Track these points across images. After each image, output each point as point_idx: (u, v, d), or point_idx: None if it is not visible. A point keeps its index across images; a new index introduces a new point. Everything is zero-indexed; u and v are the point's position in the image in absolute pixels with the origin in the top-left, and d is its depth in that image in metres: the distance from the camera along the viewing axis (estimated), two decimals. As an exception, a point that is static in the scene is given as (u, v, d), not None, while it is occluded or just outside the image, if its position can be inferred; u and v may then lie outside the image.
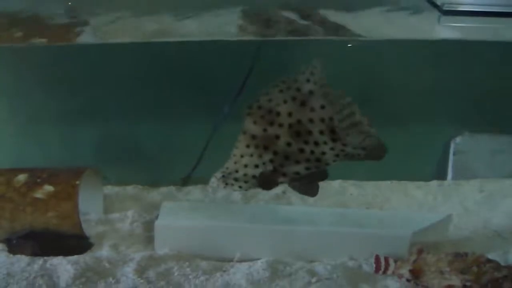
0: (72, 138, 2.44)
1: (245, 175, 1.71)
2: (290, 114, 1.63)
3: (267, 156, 1.67)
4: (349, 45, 2.37)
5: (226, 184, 1.74)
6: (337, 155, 1.66)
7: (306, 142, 1.64)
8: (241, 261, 1.85)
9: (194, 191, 2.30)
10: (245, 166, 1.70)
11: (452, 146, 2.59)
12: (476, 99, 2.52)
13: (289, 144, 1.65)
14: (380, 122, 2.43)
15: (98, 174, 2.11)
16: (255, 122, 1.65)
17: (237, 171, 1.72)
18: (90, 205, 2.11)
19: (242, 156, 1.70)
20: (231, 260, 1.87)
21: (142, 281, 1.73)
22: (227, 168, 1.73)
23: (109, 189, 2.29)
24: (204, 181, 1.81)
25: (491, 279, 1.62)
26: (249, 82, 2.34)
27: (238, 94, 2.33)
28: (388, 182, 2.41)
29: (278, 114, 1.64)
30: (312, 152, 1.65)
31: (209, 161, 2.35)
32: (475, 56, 2.44)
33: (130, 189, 2.34)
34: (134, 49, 2.30)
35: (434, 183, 2.42)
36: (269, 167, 1.68)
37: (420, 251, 1.76)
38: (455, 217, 2.07)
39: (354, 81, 2.42)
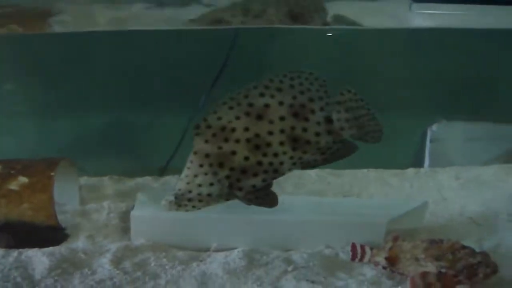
0: (48, 129, 2.42)
1: (199, 194, 1.70)
2: (246, 129, 1.63)
3: (223, 173, 1.66)
4: (328, 34, 2.37)
5: (179, 206, 1.73)
6: (294, 164, 1.67)
7: (265, 155, 1.64)
8: (217, 250, 1.85)
9: (171, 181, 2.29)
10: (199, 185, 1.69)
11: (429, 134, 2.60)
12: (453, 87, 2.53)
13: (246, 158, 1.65)
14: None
15: (73, 165, 2.09)
16: (206, 141, 1.65)
17: (190, 191, 1.70)
18: (66, 196, 2.10)
19: (195, 176, 1.68)
20: (208, 250, 1.86)
21: (118, 272, 1.73)
22: (179, 189, 1.71)
23: (86, 180, 2.29)
24: (181, 171, 1.80)
25: (466, 265, 1.62)
26: (226, 72, 2.34)
27: (215, 83, 2.32)
28: (365, 170, 2.41)
29: (233, 130, 1.63)
30: (270, 163, 1.65)
31: (186, 151, 2.34)
32: (450, 43, 2.46)
33: (106, 179, 2.34)
34: (110, 39, 2.29)
35: (410, 170, 2.44)
36: (225, 183, 1.67)
37: (395, 239, 1.76)
38: (431, 204, 2.07)
39: (331, 71, 2.43)
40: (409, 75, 2.50)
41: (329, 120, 1.67)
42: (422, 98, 2.54)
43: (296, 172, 2.24)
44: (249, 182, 1.67)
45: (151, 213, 1.91)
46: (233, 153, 1.65)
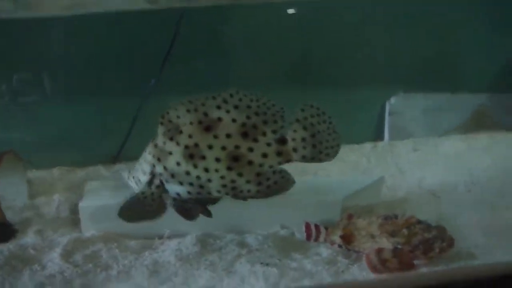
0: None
1: (139, 179, 1.73)
2: (190, 136, 1.63)
3: (159, 169, 1.68)
4: (289, 10, 2.31)
5: (128, 180, 1.79)
6: (224, 186, 1.65)
7: (195, 166, 1.63)
8: (171, 237, 1.80)
9: (124, 169, 2.23)
10: (142, 170, 1.72)
11: (387, 106, 2.57)
12: (410, 59, 2.51)
13: (178, 164, 1.65)
14: (316, 86, 2.42)
15: (19, 158, 2.03)
16: (163, 133, 1.66)
17: (136, 171, 1.75)
18: (13, 191, 2.04)
19: (144, 161, 1.72)
20: (161, 237, 1.81)
21: (68, 265, 1.67)
22: (133, 165, 1.76)
23: (34, 174, 2.23)
24: (134, 158, 1.77)
25: (422, 240, 1.60)
26: (175, 53, 2.28)
27: (163, 67, 2.28)
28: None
29: (180, 132, 1.64)
30: (198, 177, 1.64)
31: (139, 136, 2.29)
32: (406, 16, 2.43)
33: (55, 171, 2.27)
34: (54, 24, 2.22)
35: (368, 145, 2.39)
36: (156, 180, 1.69)
37: (349, 216, 1.73)
38: (389, 178, 2.05)
39: (290, 46, 2.40)
40: (366, 49, 2.47)
41: (282, 141, 1.66)
42: (380, 71, 2.51)
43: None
44: (174, 188, 1.68)
45: (100, 203, 1.85)
46: (170, 153, 1.65)
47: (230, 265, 1.66)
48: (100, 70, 2.32)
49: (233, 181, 1.65)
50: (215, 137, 1.63)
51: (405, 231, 1.62)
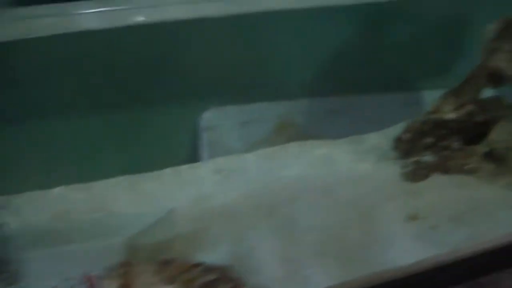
0: None
1: None
2: None
3: None
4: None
5: None
6: None
7: None
8: None
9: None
10: None
11: (201, 123, 2.43)
12: (220, 71, 2.38)
13: None
14: (120, 108, 2.25)
15: None
16: None
17: None
18: None
19: None
20: None
21: None
22: None
23: None
24: None
25: (203, 284, 1.47)
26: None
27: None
28: (119, 178, 2.15)
29: None
30: None
31: None
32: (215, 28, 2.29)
33: None
34: None
35: (168, 171, 2.19)
36: None
37: (125, 264, 1.57)
38: (187, 207, 1.89)
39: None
40: (174, 66, 2.32)
41: None
42: (191, 85, 2.37)
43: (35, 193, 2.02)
44: None
45: None
46: None
47: None
48: None
49: None
50: None
51: (184, 275, 1.48)
